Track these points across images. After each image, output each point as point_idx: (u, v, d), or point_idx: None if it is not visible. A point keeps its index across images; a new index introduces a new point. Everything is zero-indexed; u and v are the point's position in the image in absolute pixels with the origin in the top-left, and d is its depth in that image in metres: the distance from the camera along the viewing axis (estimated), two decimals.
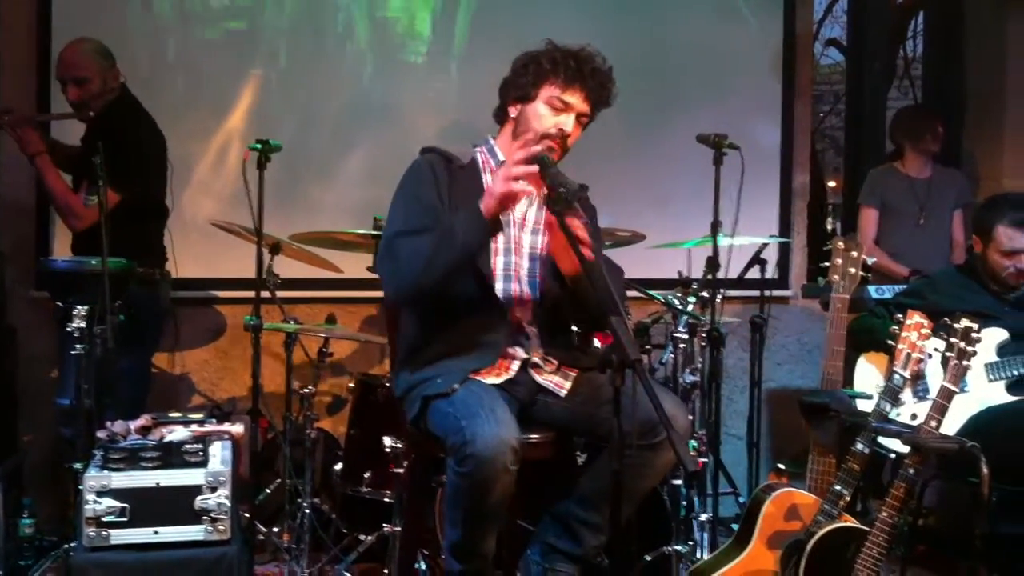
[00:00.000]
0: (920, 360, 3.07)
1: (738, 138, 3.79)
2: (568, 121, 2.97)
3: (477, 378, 2.91)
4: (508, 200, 2.79)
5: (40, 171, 4.10)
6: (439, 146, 3.14)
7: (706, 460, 3.90)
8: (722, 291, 3.92)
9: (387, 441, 3.59)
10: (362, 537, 3.86)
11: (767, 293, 4.46)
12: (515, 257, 3.06)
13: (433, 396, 2.89)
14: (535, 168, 2.73)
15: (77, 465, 3.26)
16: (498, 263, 3.03)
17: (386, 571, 3.56)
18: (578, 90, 2.97)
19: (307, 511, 3.86)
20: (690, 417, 4.00)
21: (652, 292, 4.12)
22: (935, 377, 3.34)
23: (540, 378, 3.04)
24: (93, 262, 3.63)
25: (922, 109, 6.49)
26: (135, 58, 4.69)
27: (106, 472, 2.89)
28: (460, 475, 2.70)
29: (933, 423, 2.95)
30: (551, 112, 2.98)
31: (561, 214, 2.71)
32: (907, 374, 3.04)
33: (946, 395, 2.95)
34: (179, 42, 4.93)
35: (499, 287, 3.02)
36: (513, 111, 3.06)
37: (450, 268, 2.83)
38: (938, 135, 5.25)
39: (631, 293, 4.02)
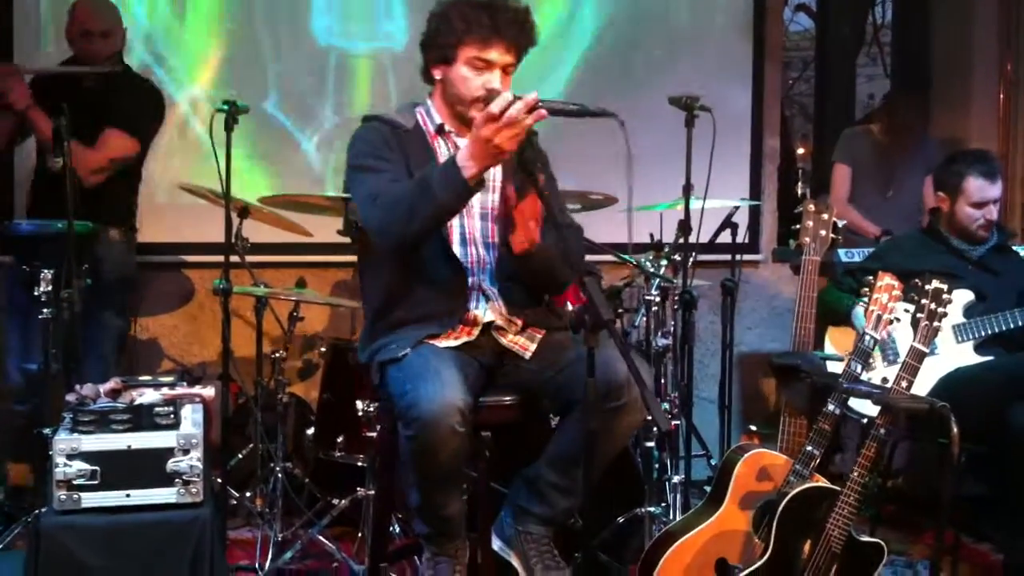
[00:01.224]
0: (890, 322, 3.09)
1: (709, 101, 3.78)
2: (494, 78, 2.87)
3: (432, 342, 2.90)
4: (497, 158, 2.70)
5: (34, 124, 4.01)
6: (382, 112, 3.07)
7: (678, 422, 3.92)
8: (694, 255, 3.92)
9: (359, 405, 3.60)
10: (335, 501, 3.85)
11: (738, 257, 4.47)
12: (467, 219, 3.01)
13: (387, 361, 2.90)
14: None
15: (46, 431, 3.23)
16: (454, 226, 2.98)
17: (360, 535, 3.57)
18: (497, 44, 2.85)
19: (279, 476, 3.85)
20: (661, 381, 4.03)
21: (624, 256, 4.12)
22: (905, 340, 3.36)
23: (504, 340, 3.01)
24: (59, 225, 3.59)
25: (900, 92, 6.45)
26: None
27: (76, 435, 2.86)
28: (408, 438, 2.71)
29: (904, 383, 2.96)
30: (475, 73, 2.88)
31: (535, 177, 2.69)
32: (878, 335, 3.05)
33: (917, 356, 2.97)
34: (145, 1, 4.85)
35: (456, 251, 2.97)
36: (437, 73, 2.97)
37: (426, 225, 2.78)
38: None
39: (604, 257, 4.02)
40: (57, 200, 3.59)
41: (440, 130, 3.02)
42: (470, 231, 3.01)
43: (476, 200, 2.96)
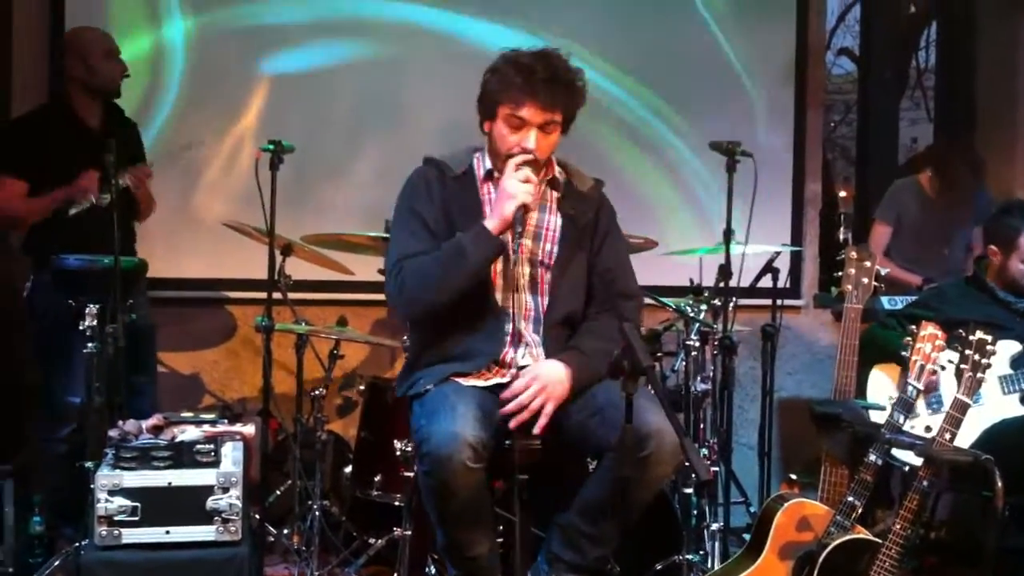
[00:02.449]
0: (934, 372, 3.07)
1: (750, 146, 3.79)
2: (528, 137, 2.94)
3: (458, 380, 2.93)
4: (515, 218, 2.87)
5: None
6: (436, 155, 3.15)
7: (717, 469, 3.89)
8: (734, 299, 3.91)
9: (397, 444, 3.60)
10: (372, 540, 3.85)
11: (779, 302, 4.45)
12: (513, 265, 3.04)
13: (413, 397, 2.96)
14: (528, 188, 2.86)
15: (88, 464, 3.26)
16: (498, 272, 3.03)
17: (395, 575, 3.55)
18: (530, 104, 2.92)
19: (317, 513, 3.86)
20: (700, 426, 4.01)
21: (664, 299, 4.12)
22: (949, 389, 3.32)
23: None
24: (106, 260, 3.63)
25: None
26: (144, 55, 4.69)
27: (118, 471, 2.89)
28: (423, 474, 2.75)
29: (947, 435, 2.94)
30: (509, 131, 2.97)
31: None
32: (920, 385, 3.03)
33: (960, 407, 2.94)
34: (189, 39, 4.92)
35: (498, 296, 3.02)
36: (486, 127, 3.07)
37: (461, 287, 2.89)
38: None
39: (643, 300, 4.01)
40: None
41: (489, 175, 3.09)
42: (515, 278, 3.04)
43: (525, 247, 3.01)
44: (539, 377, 2.89)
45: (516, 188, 2.87)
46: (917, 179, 5.28)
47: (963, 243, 5.16)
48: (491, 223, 2.90)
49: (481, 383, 2.97)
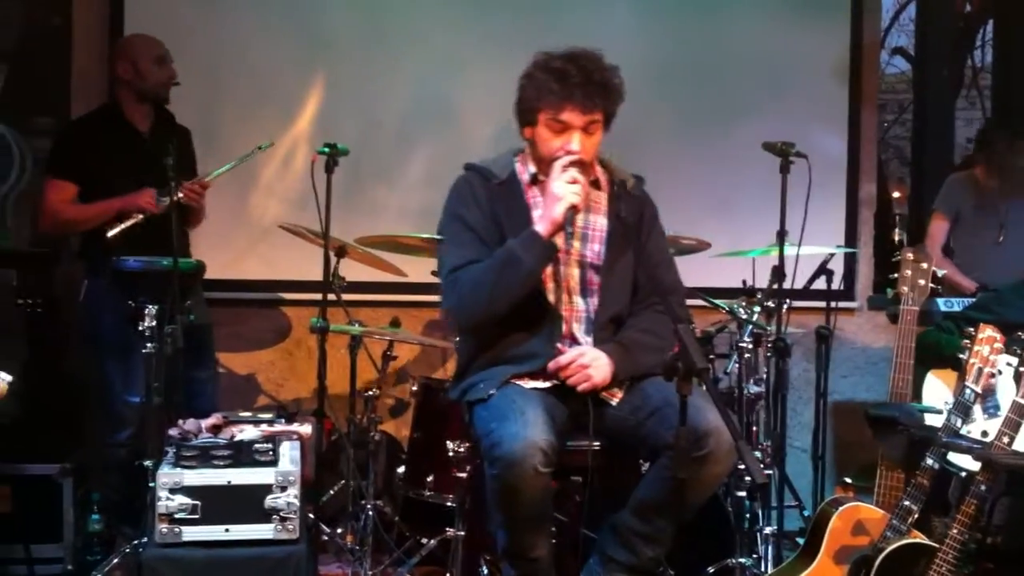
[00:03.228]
0: (992, 375, 3.03)
1: (803, 146, 3.78)
2: (572, 140, 2.95)
3: (519, 383, 2.95)
4: (565, 219, 2.89)
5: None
6: (478, 161, 3.17)
7: (771, 472, 3.88)
8: (788, 301, 3.89)
9: (450, 445, 3.61)
10: (424, 540, 3.87)
11: (833, 304, 4.42)
12: (563, 267, 3.06)
13: (474, 401, 2.96)
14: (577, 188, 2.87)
15: (147, 463, 3.32)
16: (548, 275, 3.04)
17: (448, 575, 3.57)
18: (570, 108, 2.94)
19: (370, 513, 3.89)
20: (753, 429, 3.99)
21: (716, 301, 4.10)
22: (1006, 393, 3.28)
23: None
24: (164, 262, 3.69)
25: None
26: (196, 55, 4.76)
27: (179, 469, 2.94)
28: (492, 477, 2.76)
29: (1005, 439, 2.91)
30: (552, 135, 2.98)
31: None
32: (978, 389, 3.00)
33: (1019, 411, 2.91)
34: (242, 40, 4.98)
35: (551, 298, 3.04)
36: (528, 134, 3.08)
37: (517, 294, 2.92)
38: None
39: (695, 301, 4.00)
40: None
41: (534, 180, 3.10)
42: (566, 279, 3.05)
43: (575, 248, 3.01)
44: (586, 354, 2.94)
45: (564, 190, 2.88)
46: (973, 172, 5.21)
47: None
48: (541, 227, 2.91)
49: (541, 384, 2.99)
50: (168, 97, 4.27)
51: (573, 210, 2.90)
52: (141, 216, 3.98)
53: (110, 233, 3.93)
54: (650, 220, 3.18)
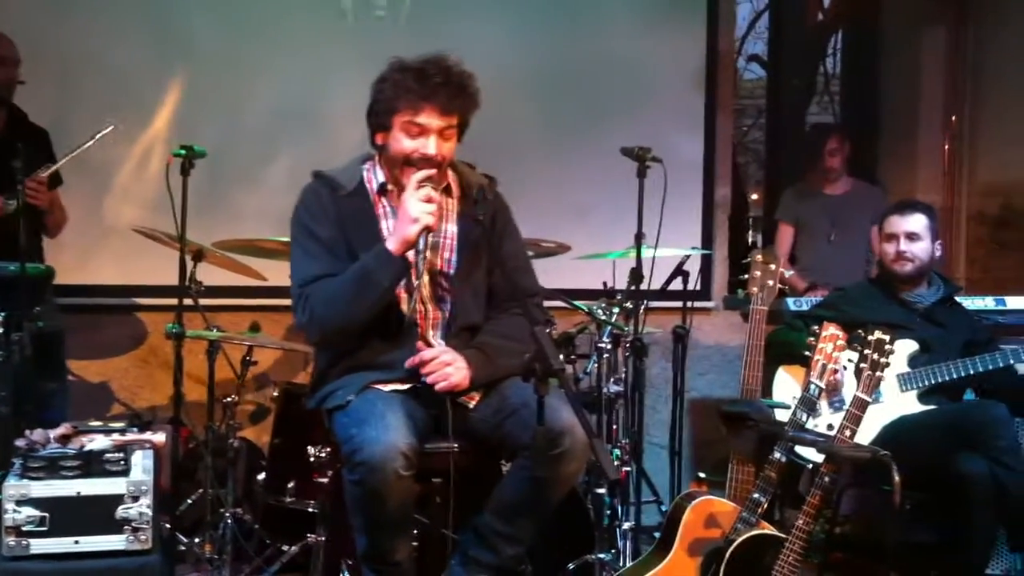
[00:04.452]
0: (835, 371, 3.16)
1: (661, 151, 3.86)
2: (428, 143, 2.93)
3: (379, 387, 2.94)
4: (417, 240, 2.89)
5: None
6: (326, 170, 3.13)
7: (629, 469, 3.95)
8: (645, 302, 3.98)
9: (311, 450, 3.58)
10: (285, 547, 3.82)
11: (689, 304, 4.54)
12: (415, 277, 3.03)
13: (333, 408, 2.94)
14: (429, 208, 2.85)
15: None
16: (401, 283, 3.01)
17: None
18: (428, 109, 2.91)
19: (229, 521, 3.83)
20: (613, 427, 4.06)
21: (576, 303, 4.16)
22: (850, 388, 3.42)
23: None
24: (11, 267, 3.57)
25: (819, 127, 6.69)
26: (52, 56, 4.63)
27: (26, 481, 2.85)
28: (353, 483, 2.74)
29: (847, 432, 3.02)
30: (408, 138, 2.95)
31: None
32: (823, 384, 3.12)
33: (860, 405, 3.03)
34: (98, 41, 4.86)
35: (404, 307, 3.02)
36: (379, 139, 3.04)
37: (371, 309, 2.90)
38: (833, 152, 5.38)
39: (556, 303, 4.06)
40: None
41: (383, 190, 3.08)
42: (419, 288, 3.04)
43: (427, 257, 3.01)
44: (445, 353, 2.94)
45: (419, 210, 2.85)
46: (806, 179, 5.48)
47: (860, 242, 5.33)
48: (393, 244, 2.87)
49: (399, 387, 2.98)
50: (10, 96, 4.13)
51: (426, 230, 2.90)
52: None
53: (11, 207, 3.80)
54: (503, 223, 3.17)
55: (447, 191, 3.11)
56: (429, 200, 2.87)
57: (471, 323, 3.09)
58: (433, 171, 2.92)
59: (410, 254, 2.92)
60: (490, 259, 3.10)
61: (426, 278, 3.05)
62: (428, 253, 3.00)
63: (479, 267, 3.10)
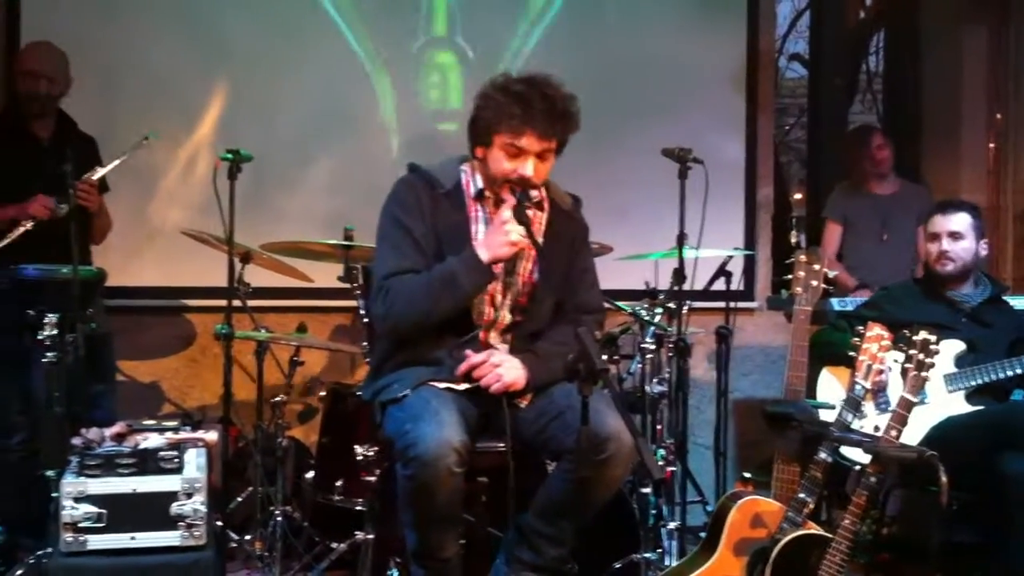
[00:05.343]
0: (881, 371, 3.15)
1: (702, 151, 3.87)
2: (527, 165, 2.96)
3: (434, 384, 2.97)
4: (509, 258, 2.96)
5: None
6: (422, 164, 3.16)
7: (674, 469, 3.96)
8: (688, 302, 3.99)
9: (358, 449, 3.63)
10: (334, 545, 3.87)
11: (733, 304, 4.53)
12: (495, 282, 3.07)
13: (388, 402, 2.98)
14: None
15: (50, 472, 3.27)
16: None
17: None
18: (529, 134, 2.94)
19: (279, 519, 3.88)
20: (657, 427, 4.08)
21: (619, 303, 4.18)
22: (896, 388, 3.41)
23: None
24: (64, 270, 3.64)
25: (862, 128, 6.64)
26: (102, 64, 4.71)
27: (83, 478, 2.92)
28: (405, 478, 2.77)
29: (893, 433, 3.02)
30: (507, 158, 2.98)
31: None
32: (868, 385, 3.11)
33: (906, 405, 3.03)
34: (140, 48, 4.93)
35: (477, 308, 3.07)
36: (479, 153, 3.08)
37: (450, 312, 2.96)
38: (881, 147, 5.36)
39: None
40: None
41: (480, 195, 3.11)
42: (495, 293, 3.10)
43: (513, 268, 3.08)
44: (496, 354, 2.99)
45: (517, 234, 2.91)
46: (855, 178, 5.45)
47: (910, 242, 5.30)
48: (484, 254, 2.92)
49: (454, 386, 3.00)
50: (42, 110, 4.23)
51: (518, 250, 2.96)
52: (31, 224, 3.92)
53: (62, 210, 3.88)
54: (581, 242, 3.24)
55: (538, 205, 3.16)
56: (526, 223, 2.93)
57: (537, 331, 3.13)
58: (536, 197, 3.02)
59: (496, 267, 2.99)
60: (565, 274, 3.15)
61: (499, 283, 3.10)
62: (513, 264, 3.06)
63: (555, 281, 3.13)
